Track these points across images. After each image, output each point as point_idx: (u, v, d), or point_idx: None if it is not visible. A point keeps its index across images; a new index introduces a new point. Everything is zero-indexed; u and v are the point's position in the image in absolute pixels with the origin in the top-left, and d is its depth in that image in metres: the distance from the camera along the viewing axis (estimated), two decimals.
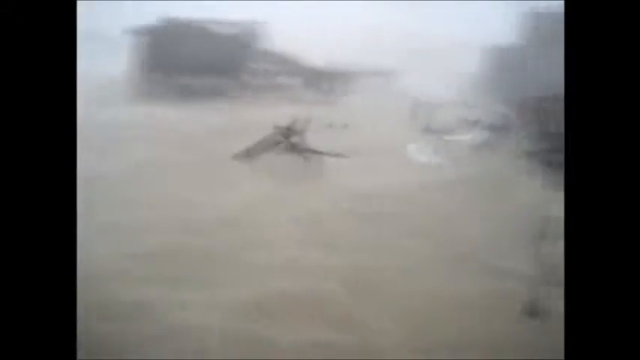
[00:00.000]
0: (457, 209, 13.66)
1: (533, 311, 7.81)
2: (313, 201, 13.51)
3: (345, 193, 14.34)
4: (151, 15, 34.55)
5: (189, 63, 32.11)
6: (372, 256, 10.09)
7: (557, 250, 9.88)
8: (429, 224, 12.23)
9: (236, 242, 10.33)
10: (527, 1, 34.01)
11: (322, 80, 35.44)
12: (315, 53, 37.76)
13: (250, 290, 8.20)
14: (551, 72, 26.64)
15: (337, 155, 17.75)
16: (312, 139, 18.57)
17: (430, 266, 9.80)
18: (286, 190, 14.57)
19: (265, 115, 21.67)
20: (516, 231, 11.49)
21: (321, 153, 17.80)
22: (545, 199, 13.32)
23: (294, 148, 17.70)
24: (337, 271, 9.14)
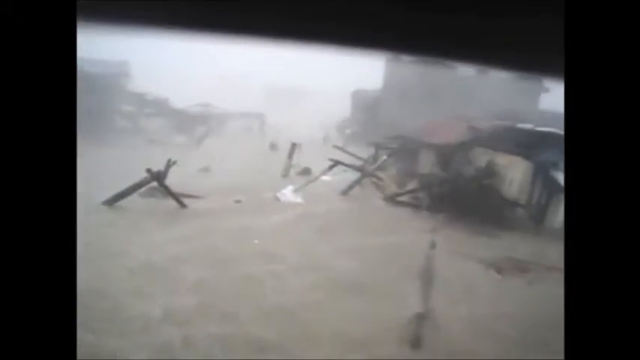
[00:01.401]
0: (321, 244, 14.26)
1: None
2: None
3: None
4: None
5: None
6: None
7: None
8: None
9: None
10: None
11: (190, 122, 35.06)
12: (182, 96, 37.45)
13: None
14: (409, 115, 28.45)
15: (200, 197, 17.73)
16: (181, 182, 18.34)
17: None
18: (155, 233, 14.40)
19: (135, 159, 21.11)
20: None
21: (190, 196, 17.63)
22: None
23: (167, 192, 17.33)
24: None
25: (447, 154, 20.90)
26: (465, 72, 29.07)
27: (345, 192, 20.78)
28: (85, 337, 8.23)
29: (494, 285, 12.66)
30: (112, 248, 12.86)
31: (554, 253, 12.91)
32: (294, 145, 24.90)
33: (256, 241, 14.77)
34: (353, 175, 22.18)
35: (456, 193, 18.22)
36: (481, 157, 19.61)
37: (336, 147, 27.35)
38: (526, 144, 18.36)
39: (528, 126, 20.45)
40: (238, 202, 18.24)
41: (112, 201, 16.56)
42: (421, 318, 10.12)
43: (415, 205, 19.16)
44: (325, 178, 22.76)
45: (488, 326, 10.22)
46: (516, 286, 12.74)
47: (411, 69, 30.94)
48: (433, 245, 13.36)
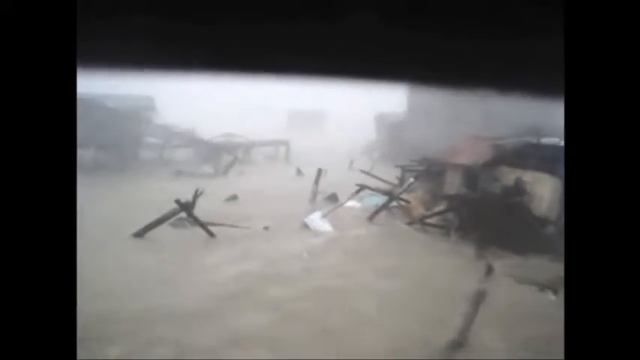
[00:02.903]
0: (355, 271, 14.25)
1: None
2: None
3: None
4: None
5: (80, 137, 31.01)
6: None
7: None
8: None
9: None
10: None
11: (216, 152, 35.46)
12: (207, 127, 37.98)
13: None
14: (433, 137, 28.42)
15: (228, 225, 17.87)
16: (209, 212, 18.53)
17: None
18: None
19: (163, 190, 21.42)
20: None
21: (219, 224, 17.77)
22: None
23: (195, 222, 17.51)
24: None
25: (473, 175, 20.77)
26: (487, 92, 28.97)
27: (373, 215, 20.75)
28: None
29: (550, 306, 12.17)
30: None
31: None
32: (320, 171, 24.99)
33: (305, 255, 15.58)
34: (380, 199, 22.15)
35: (485, 213, 18.07)
36: (508, 176, 19.45)
37: (363, 172, 27.37)
38: (551, 159, 18.16)
39: (553, 140, 20.27)
40: (266, 228, 18.32)
41: (142, 232, 16.77)
42: (456, 345, 10.00)
43: (444, 227, 19.04)
44: (352, 202, 22.79)
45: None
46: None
47: (434, 91, 31.00)
48: (490, 270, 13.26)
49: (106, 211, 18.31)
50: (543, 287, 13.13)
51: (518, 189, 18.88)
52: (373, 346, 9.91)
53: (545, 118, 26.99)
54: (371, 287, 13.06)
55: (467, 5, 1.97)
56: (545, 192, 18.35)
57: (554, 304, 12.03)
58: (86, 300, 8.83)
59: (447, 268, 14.92)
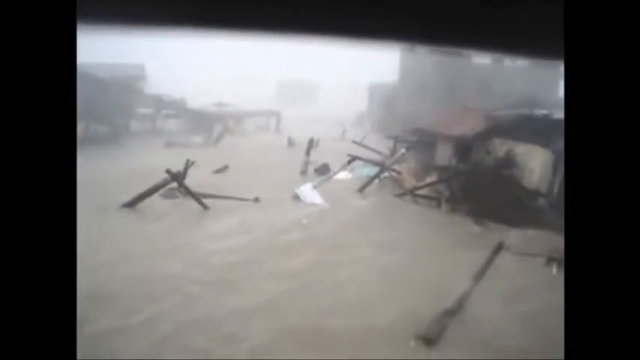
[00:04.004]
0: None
1: None
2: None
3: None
4: None
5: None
6: None
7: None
8: None
9: None
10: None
11: (207, 122, 35.20)
12: (198, 96, 37.66)
13: None
14: (426, 107, 28.34)
15: (219, 196, 17.85)
16: (201, 182, 18.48)
17: None
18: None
19: (154, 160, 21.30)
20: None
21: (213, 196, 17.73)
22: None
23: (187, 192, 17.44)
24: None
25: (465, 146, 20.76)
26: (480, 61, 28.87)
27: (365, 186, 20.75)
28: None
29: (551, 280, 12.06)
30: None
31: None
32: (311, 141, 24.89)
33: (305, 221, 15.91)
34: (372, 170, 22.13)
35: (476, 185, 18.11)
36: (500, 148, 19.46)
37: (354, 142, 27.31)
38: (544, 132, 18.15)
39: (545, 113, 20.24)
40: (257, 199, 18.28)
41: (133, 203, 16.70)
42: (450, 314, 10.09)
43: (435, 198, 19.07)
44: (344, 173, 22.77)
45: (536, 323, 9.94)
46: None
47: (427, 60, 30.81)
48: (500, 247, 13.25)
49: (100, 185, 18.23)
50: (548, 260, 13.06)
51: (510, 161, 18.91)
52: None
53: (539, 91, 26.98)
54: (365, 260, 13.12)
55: None
56: (537, 164, 18.38)
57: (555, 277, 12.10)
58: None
59: (441, 239, 15.02)
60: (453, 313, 10.13)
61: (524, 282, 11.93)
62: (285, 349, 8.90)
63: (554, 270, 12.59)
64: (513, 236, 14.89)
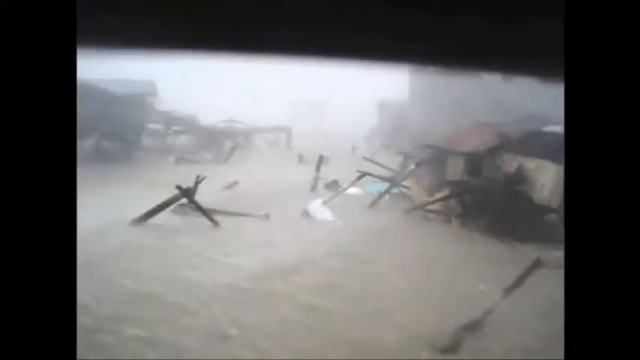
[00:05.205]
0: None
1: None
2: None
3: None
4: None
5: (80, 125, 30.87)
6: None
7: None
8: None
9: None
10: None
11: (217, 139, 35.36)
12: (209, 112, 37.87)
13: None
14: (436, 123, 28.33)
15: (229, 213, 17.83)
16: (211, 198, 18.52)
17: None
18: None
19: (164, 177, 21.38)
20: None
21: (224, 213, 17.76)
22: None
23: (197, 208, 17.46)
24: None
25: (475, 161, 20.69)
26: (490, 78, 28.86)
27: (375, 202, 20.72)
28: None
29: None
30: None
31: None
32: (321, 158, 24.93)
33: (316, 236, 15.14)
34: (382, 186, 22.12)
35: (488, 201, 18.04)
36: (510, 163, 19.37)
37: (365, 158, 27.34)
38: (554, 147, 18.07)
39: (556, 128, 20.15)
40: (267, 216, 18.28)
41: (142, 219, 16.73)
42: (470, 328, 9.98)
43: (446, 214, 19.00)
44: (354, 189, 22.76)
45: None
46: None
47: (436, 77, 30.85)
48: (538, 263, 13.11)
49: (111, 200, 18.29)
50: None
51: (521, 176, 18.81)
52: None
53: (548, 105, 26.86)
54: (382, 274, 13.06)
55: None
56: (548, 179, 18.27)
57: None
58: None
59: (453, 253, 14.99)
60: (474, 326, 10.02)
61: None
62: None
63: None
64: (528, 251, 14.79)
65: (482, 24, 2.10)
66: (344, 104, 55.22)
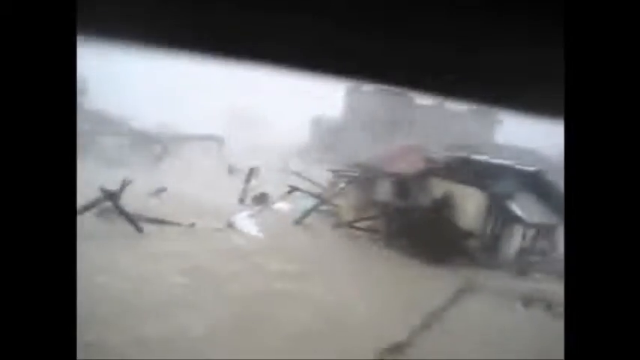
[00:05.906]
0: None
1: None
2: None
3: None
4: None
5: None
6: None
7: None
8: None
9: None
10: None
11: (148, 142, 34.58)
12: (140, 115, 36.96)
13: None
14: (368, 143, 28.74)
15: (153, 220, 17.44)
16: (136, 203, 18.02)
17: None
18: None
19: (90, 178, 20.65)
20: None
21: (148, 219, 17.32)
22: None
23: (121, 213, 16.90)
24: None
25: (404, 184, 21.08)
26: (422, 102, 29.60)
27: (302, 218, 20.73)
28: None
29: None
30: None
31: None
32: (251, 170, 24.77)
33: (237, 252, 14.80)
34: (311, 202, 22.15)
35: (413, 223, 18.38)
36: (437, 188, 19.84)
37: (295, 173, 27.35)
38: (481, 175, 18.68)
39: (483, 157, 20.83)
40: (192, 225, 17.95)
41: None
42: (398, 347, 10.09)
43: (374, 231, 19.23)
44: (282, 203, 22.71)
45: None
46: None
47: (371, 98, 31.36)
48: (526, 303, 13.46)
49: None
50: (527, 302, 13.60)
51: (446, 201, 19.28)
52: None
53: (477, 136, 27.84)
54: (299, 292, 13.03)
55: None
56: (472, 207, 18.81)
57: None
58: None
59: (374, 272, 15.13)
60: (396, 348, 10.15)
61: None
62: None
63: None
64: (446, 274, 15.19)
65: (434, 51, 2.12)
66: (279, 118, 55.21)
